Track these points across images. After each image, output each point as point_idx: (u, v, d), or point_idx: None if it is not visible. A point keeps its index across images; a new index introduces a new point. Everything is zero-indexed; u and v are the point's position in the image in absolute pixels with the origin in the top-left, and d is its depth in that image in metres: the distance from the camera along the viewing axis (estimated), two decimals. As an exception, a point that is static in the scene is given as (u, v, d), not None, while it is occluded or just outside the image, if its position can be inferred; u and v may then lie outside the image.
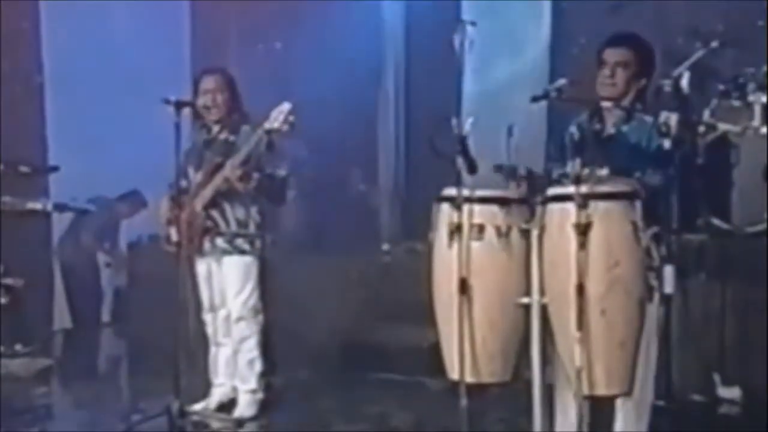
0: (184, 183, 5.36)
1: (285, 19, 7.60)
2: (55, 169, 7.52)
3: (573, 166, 4.10)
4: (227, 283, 5.35)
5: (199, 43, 8.43)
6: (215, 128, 5.41)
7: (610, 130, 4.24)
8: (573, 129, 4.37)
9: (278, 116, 5.07)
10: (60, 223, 8.15)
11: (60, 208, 7.72)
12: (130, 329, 7.63)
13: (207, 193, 5.26)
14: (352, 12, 7.72)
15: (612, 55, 4.24)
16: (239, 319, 5.34)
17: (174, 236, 5.22)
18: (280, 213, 6.17)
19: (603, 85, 4.24)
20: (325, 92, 7.19)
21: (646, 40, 4.35)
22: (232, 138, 5.34)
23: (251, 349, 5.36)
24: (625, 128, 4.22)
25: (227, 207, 5.31)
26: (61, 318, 8.07)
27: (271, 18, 7.78)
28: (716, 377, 5.29)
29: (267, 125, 5.09)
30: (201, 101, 5.32)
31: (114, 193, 8.31)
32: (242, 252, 5.32)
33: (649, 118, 4.18)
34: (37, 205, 7.43)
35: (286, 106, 5.08)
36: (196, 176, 5.39)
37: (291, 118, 5.06)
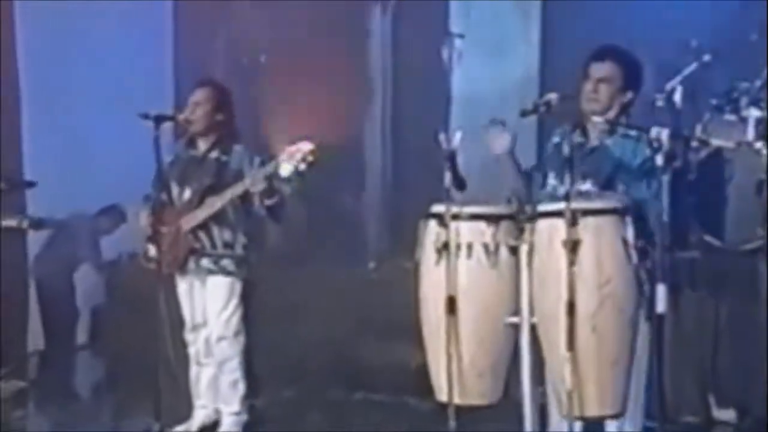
0: (164, 196, 5.23)
1: (270, 33, 7.57)
2: (31, 184, 7.39)
3: (555, 177, 4.13)
4: (210, 302, 5.26)
5: (182, 55, 8.36)
6: (202, 145, 5.30)
7: (594, 142, 4.22)
8: (556, 139, 4.35)
9: (296, 154, 4.83)
10: (36, 240, 8.01)
11: (36, 224, 7.57)
12: (109, 349, 7.53)
13: (199, 215, 5.15)
14: (339, 25, 7.65)
15: (595, 70, 4.25)
16: (220, 338, 5.25)
17: (152, 252, 5.12)
18: (266, 230, 6.07)
19: (587, 100, 4.24)
20: (310, 107, 7.14)
21: (631, 53, 4.33)
22: (224, 158, 5.23)
23: (234, 370, 5.27)
24: (608, 141, 4.20)
25: (215, 229, 5.19)
26: (35, 339, 7.92)
27: (256, 31, 7.74)
28: (711, 399, 5.22)
29: (284, 162, 4.81)
30: (184, 113, 5.23)
31: (92, 207, 8.19)
32: (227, 273, 5.22)
33: (634, 132, 4.16)
34: (13, 222, 7.28)
35: (307, 146, 4.84)
36: (180, 191, 5.29)
37: (311, 158, 4.82)
